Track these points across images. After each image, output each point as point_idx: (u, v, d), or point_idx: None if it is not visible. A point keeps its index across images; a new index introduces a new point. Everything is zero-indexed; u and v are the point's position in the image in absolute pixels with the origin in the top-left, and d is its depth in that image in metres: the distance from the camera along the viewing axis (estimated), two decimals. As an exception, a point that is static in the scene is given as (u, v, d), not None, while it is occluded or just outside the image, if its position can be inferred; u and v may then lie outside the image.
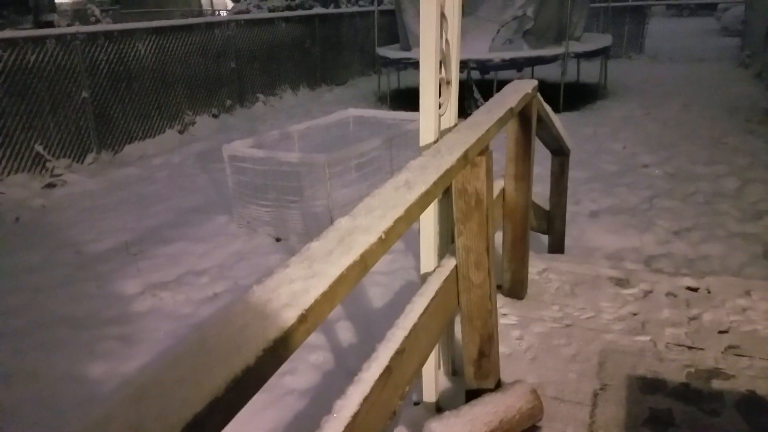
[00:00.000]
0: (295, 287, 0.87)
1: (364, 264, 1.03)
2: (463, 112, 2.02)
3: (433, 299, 1.81)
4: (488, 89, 9.28)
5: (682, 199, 5.54)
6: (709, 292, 2.92)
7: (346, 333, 3.72)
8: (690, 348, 2.50)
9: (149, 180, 6.92)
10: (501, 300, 2.90)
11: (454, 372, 2.41)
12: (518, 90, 2.42)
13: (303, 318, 0.80)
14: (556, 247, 4.11)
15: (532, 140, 2.68)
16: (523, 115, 2.58)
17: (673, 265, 4.35)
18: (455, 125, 2.02)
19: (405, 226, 1.18)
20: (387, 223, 1.13)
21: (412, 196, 1.29)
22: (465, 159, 1.65)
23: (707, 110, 9.13)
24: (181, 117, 8.61)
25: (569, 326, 2.68)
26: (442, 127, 2.03)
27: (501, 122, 2.03)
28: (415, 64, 9.88)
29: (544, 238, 4.12)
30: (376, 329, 3.66)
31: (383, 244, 1.10)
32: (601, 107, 9.71)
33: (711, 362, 2.41)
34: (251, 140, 5.21)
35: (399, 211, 1.18)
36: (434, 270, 1.98)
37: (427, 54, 1.74)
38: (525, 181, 2.74)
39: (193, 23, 8.73)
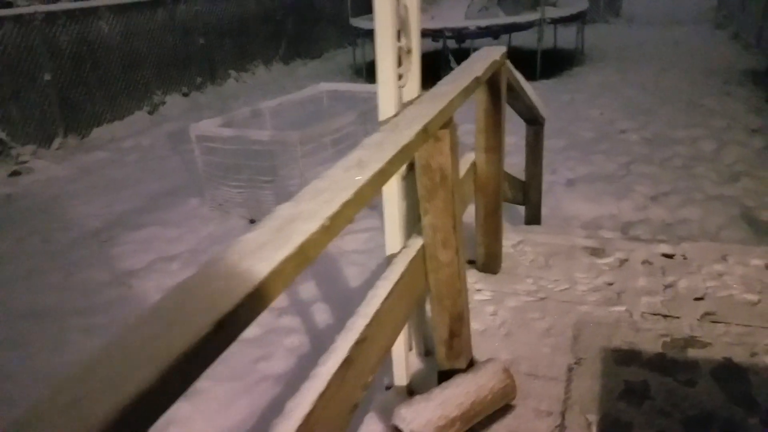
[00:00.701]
0: (217, 286, 0.78)
1: (304, 256, 0.94)
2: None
3: (398, 282, 1.74)
4: (465, 58, 9.15)
5: (659, 164, 5.51)
6: (685, 258, 2.88)
7: (322, 314, 3.65)
8: (666, 317, 2.47)
9: (119, 164, 6.73)
10: (475, 275, 2.84)
11: (427, 352, 2.35)
12: (485, 58, 2.32)
13: (220, 325, 0.71)
14: (533, 218, 4.06)
15: (502, 110, 2.59)
16: (491, 84, 2.49)
17: (650, 230, 4.33)
18: (419, 97, 1.92)
19: (355, 209, 1.10)
20: (333, 207, 1.04)
21: (365, 177, 1.20)
22: (426, 133, 1.56)
23: (685, 73, 9.09)
24: (150, 97, 8.37)
25: (543, 299, 2.63)
26: (405, 99, 1.94)
27: (466, 92, 1.94)
28: (390, 35, 9.70)
29: (521, 209, 4.06)
30: (353, 309, 3.61)
31: (327, 232, 1.01)
32: (579, 73, 9.61)
33: (687, 330, 2.38)
34: (220, 119, 5.06)
35: (347, 194, 1.09)
36: (400, 251, 1.90)
37: (382, 21, 1.63)
38: (496, 153, 2.66)
39: (158, -1, 8.43)
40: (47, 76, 6.98)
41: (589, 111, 7.38)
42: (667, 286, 2.67)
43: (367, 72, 10.34)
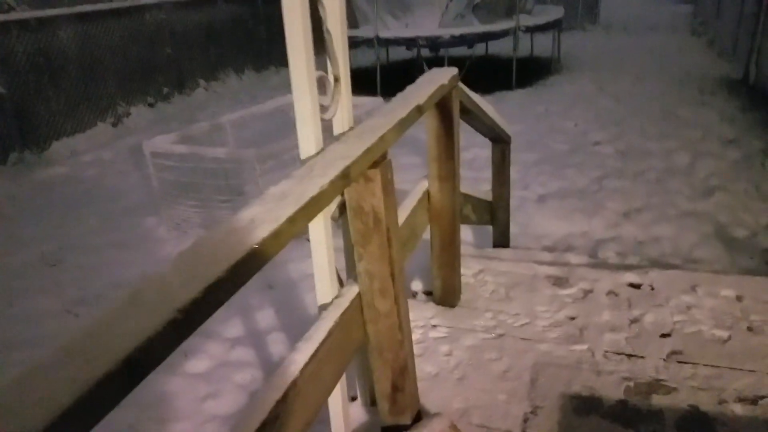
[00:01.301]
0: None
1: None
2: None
3: (325, 340, 1.55)
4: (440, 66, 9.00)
5: (632, 178, 5.39)
6: (652, 289, 2.73)
7: (278, 345, 3.44)
8: (630, 356, 2.31)
9: (77, 180, 6.46)
10: (432, 309, 2.67)
11: (374, 402, 2.16)
12: (431, 82, 2.15)
13: None
14: (501, 239, 3.90)
15: (455, 136, 2.42)
16: (442, 108, 2.32)
17: (622, 249, 4.18)
18: (350, 128, 1.74)
19: (223, 295, 0.91)
20: (189, 295, 0.85)
21: (245, 244, 1.02)
22: (345, 178, 1.38)
23: (660, 82, 9.03)
24: (113, 108, 8.10)
25: (501, 336, 2.46)
26: (336, 132, 1.75)
27: (404, 123, 1.76)
28: (367, 42, 9.54)
29: (490, 228, 3.90)
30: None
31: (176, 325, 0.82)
32: (554, 83, 9.52)
33: (652, 372, 2.22)
34: (176, 135, 4.83)
35: (214, 273, 0.90)
36: (332, 301, 1.71)
37: (294, 47, 1.44)
38: (450, 181, 2.48)
39: (121, 7, 8.16)
40: (1, 89, 6.70)
41: (563, 122, 7.27)
42: (632, 321, 2.52)
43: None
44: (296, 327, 3.57)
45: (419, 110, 1.87)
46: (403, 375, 1.83)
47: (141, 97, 8.51)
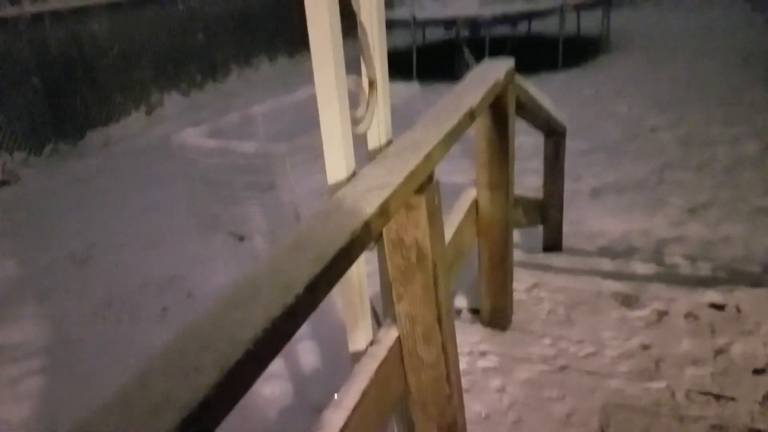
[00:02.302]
0: None
1: None
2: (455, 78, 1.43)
3: (360, 402, 1.27)
4: (481, 49, 8.55)
5: (696, 169, 4.92)
6: (738, 311, 2.36)
7: (309, 356, 3.19)
8: (718, 398, 1.96)
9: (109, 172, 6.34)
10: (480, 332, 2.36)
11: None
12: (484, 79, 1.81)
13: None
14: (552, 241, 3.55)
15: (510, 139, 2.08)
16: (495, 108, 1.98)
17: (688, 250, 3.77)
18: (388, 143, 1.43)
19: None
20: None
21: (250, 315, 0.74)
22: (384, 215, 1.08)
23: (720, 62, 8.37)
24: (147, 97, 7.95)
25: (564, 369, 2.14)
26: (371, 147, 1.45)
27: (453, 135, 1.44)
28: (402, 23, 9.13)
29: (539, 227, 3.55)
30: (344, 351, 3.15)
31: None
32: (604, 63, 8.95)
33: (745, 418, 1.87)
34: (206, 127, 4.60)
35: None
36: (366, 349, 1.42)
37: (319, 45, 1.14)
38: (503, 190, 2.15)
39: (152, -5, 7.98)
40: (35, 80, 6.59)
41: (615, 106, 6.77)
42: (718, 352, 2.16)
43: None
44: (328, 336, 3.32)
45: (471, 116, 1.55)
46: (452, 433, 1.54)
47: (174, 85, 8.34)
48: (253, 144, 4.13)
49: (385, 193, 1.09)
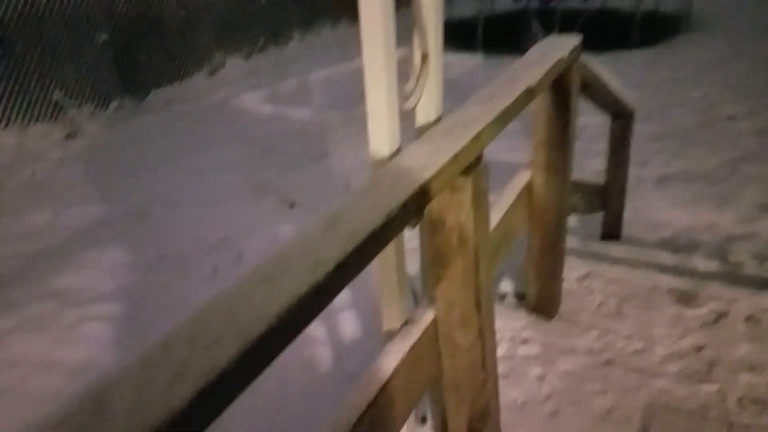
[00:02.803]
0: None
1: None
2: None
3: (390, 379, 1.25)
4: (550, 22, 8.23)
5: (773, 163, 4.61)
6: (806, 319, 2.20)
7: (348, 325, 3.20)
8: (774, 409, 1.84)
9: (170, 131, 6.49)
10: (523, 319, 2.29)
11: (446, 430, 1.85)
12: (546, 57, 1.71)
13: None
14: (611, 229, 3.41)
15: (571, 120, 1.98)
16: (557, 86, 1.88)
17: (758, 249, 3.53)
18: (438, 120, 1.37)
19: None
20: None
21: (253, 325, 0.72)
22: (424, 195, 1.03)
23: (812, 45, 7.78)
24: (209, 59, 8.06)
25: (609, 363, 2.06)
26: (419, 124, 1.39)
27: (507, 114, 1.36)
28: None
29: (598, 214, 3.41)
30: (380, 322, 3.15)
31: None
32: (683, 43, 8.45)
33: (804, 434, 1.75)
34: (264, 93, 4.63)
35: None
36: (400, 329, 1.39)
37: (370, 18, 1.09)
38: (560, 173, 2.06)
39: (222, -47, 8.01)
40: (104, 36, 6.78)
41: (691, 91, 6.39)
42: (778, 360, 2.02)
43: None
44: (367, 305, 3.32)
45: (529, 95, 1.47)
46: (484, 419, 1.50)
47: (236, 48, 8.41)
48: (308, 111, 4.13)
49: (427, 174, 1.04)
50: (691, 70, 7.12)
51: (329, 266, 0.82)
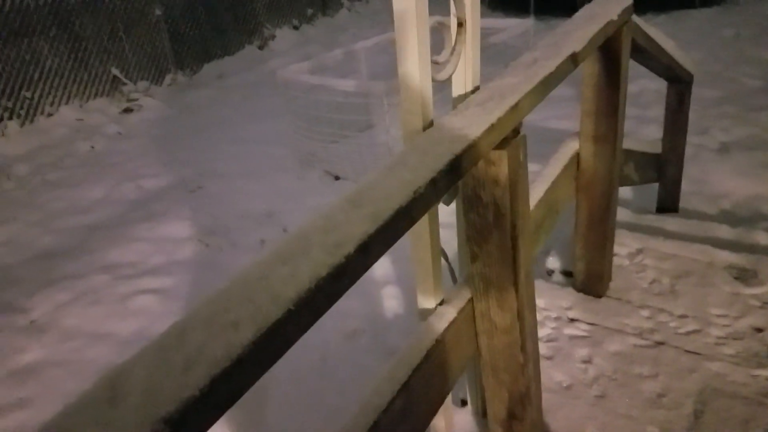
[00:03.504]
0: None
1: None
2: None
3: (423, 363, 1.22)
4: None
5: None
6: None
7: (390, 300, 3.18)
8: (841, 395, 1.72)
9: (222, 103, 6.57)
10: (571, 296, 2.22)
11: (485, 413, 1.82)
12: (593, 18, 1.61)
13: None
14: (668, 201, 3.27)
15: (622, 87, 1.86)
16: (607, 51, 1.77)
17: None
18: (474, 91, 1.31)
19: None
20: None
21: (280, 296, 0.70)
22: (455, 171, 0.98)
23: None
24: (260, 31, 8.10)
25: (660, 345, 1.97)
26: (455, 94, 1.33)
27: (548, 83, 1.28)
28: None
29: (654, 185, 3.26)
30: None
31: None
32: (749, 1, 7.90)
33: None
34: (309, 63, 4.60)
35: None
36: (435, 308, 1.35)
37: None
38: (610, 143, 1.95)
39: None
40: (158, 11, 6.88)
41: (758, 51, 5.99)
42: None
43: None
44: (410, 282, 3.29)
45: (574, 61, 1.38)
46: (523, 403, 1.46)
47: (286, 19, 8.41)
48: (353, 82, 4.08)
49: (458, 148, 0.98)
50: (757, 29, 6.66)
51: (350, 248, 0.79)
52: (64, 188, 5.00)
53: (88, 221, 4.40)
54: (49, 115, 6.18)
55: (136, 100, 6.65)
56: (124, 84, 6.72)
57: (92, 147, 5.83)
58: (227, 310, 0.71)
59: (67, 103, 6.31)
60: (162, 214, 4.39)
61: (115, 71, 6.65)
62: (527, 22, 5.19)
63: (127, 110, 6.55)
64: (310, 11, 8.72)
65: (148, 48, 6.93)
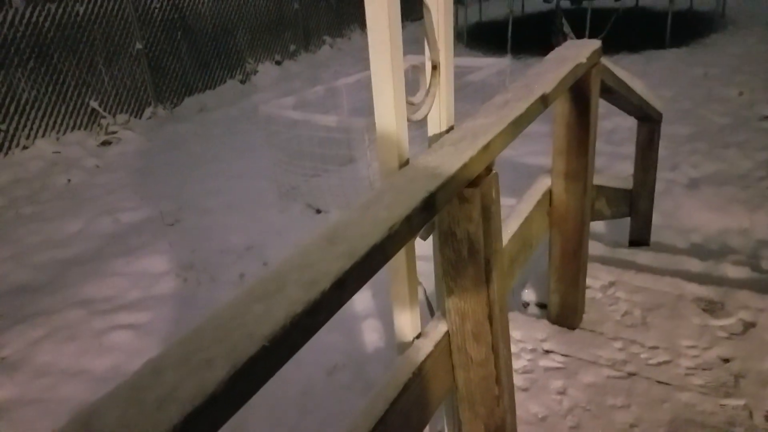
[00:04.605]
0: None
1: None
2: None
3: (401, 395, 1.23)
4: (581, 21, 8.10)
5: (812, 165, 4.46)
6: (842, 330, 2.11)
7: (371, 333, 3.19)
8: (806, 425, 1.77)
9: (203, 137, 6.60)
10: (546, 329, 2.25)
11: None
12: (563, 61, 1.68)
13: None
14: (640, 234, 3.34)
15: (592, 125, 1.94)
16: (576, 92, 1.85)
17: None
18: (448, 130, 1.36)
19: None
20: None
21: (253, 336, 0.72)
22: (428, 209, 1.02)
23: None
24: (242, 65, 8.20)
25: (632, 376, 2.00)
26: (431, 133, 1.38)
27: (519, 123, 1.34)
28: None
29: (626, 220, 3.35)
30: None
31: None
32: (716, 42, 8.24)
33: (838, 452, 1.67)
34: (291, 99, 4.67)
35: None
36: (413, 342, 1.38)
37: (376, 27, 1.08)
38: (580, 181, 2.02)
39: (252, -38, 8.13)
40: (139, 45, 6.94)
41: (725, 90, 6.23)
42: (812, 374, 1.94)
43: (469, 36, 9.56)
44: (387, 314, 3.31)
45: (544, 102, 1.44)
46: (499, 435, 1.47)
47: (268, 54, 8.53)
48: (335, 117, 4.15)
49: (432, 186, 1.03)
50: (725, 69, 6.93)
51: (326, 284, 0.81)
52: (39, 222, 4.94)
53: (64, 256, 4.35)
54: (25, 147, 6.14)
55: (115, 133, 6.65)
56: (103, 117, 6.72)
57: (69, 180, 5.79)
58: (201, 348, 0.71)
59: (43, 135, 6.28)
60: (139, 248, 4.36)
61: (93, 104, 6.66)
62: (504, 61, 5.36)
63: (106, 143, 6.54)
64: (292, 47, 8.87)
65: (128, 81, 6.96)
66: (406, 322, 1.38)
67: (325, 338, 3.11)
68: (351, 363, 2.93)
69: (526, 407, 1.90)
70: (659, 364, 2.03)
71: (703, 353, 2.06)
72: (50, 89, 6.28)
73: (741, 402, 1.86)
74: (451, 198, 1.14)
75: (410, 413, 1.29)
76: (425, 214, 1.01)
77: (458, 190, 1.16)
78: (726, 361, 2.02)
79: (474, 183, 1.19)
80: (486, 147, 1.19)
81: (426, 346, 1.36)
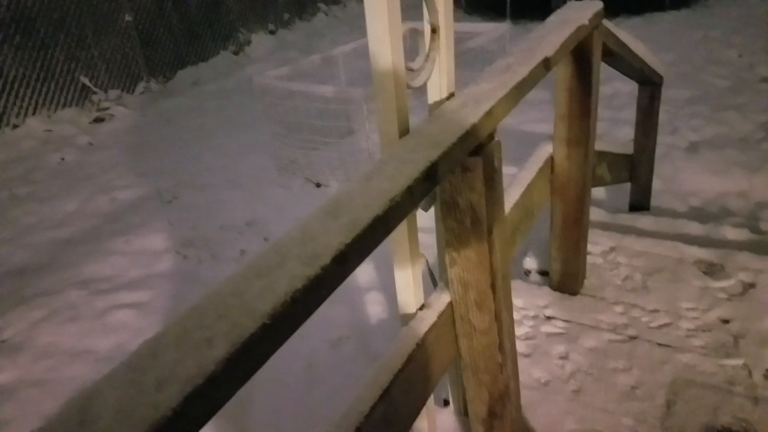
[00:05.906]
0: None
1: None
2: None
3: (406, 365, 1.24)
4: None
5: (812, 126, 4.42)
6: (842, 290, 2.12)
7: (375, 306, 3.20)
8: (806, 384, 1.78)
9: (198, 111, 6.52)
10: (548, 296, 2.26)
11: (467, 412, 1.85)
12: (565, 23, 1.64)
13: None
14: (640, 199, 3.34)
15: (593, 90, 1.91)
16: (578, 56, 1.81)
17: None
18: (449, 97, 1.33)
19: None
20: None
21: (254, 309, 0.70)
22: (430, 179, 1.00)
23: None
24: (235, 36, 8.04)
25: (633, 339, 2.02)
26: (431, 101, 1.36)
27: (522, 88, 1.32)
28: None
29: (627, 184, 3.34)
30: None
31: None
32: (716, 3, 8.10)
33: (838, 409, 1.69)
34: (287, 69, 4.59)
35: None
36: (416, 313, 1.38)
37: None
38: (582, 146, 2.00)
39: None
40: (128, 17, 6.80)
41: (725, 52, 6.14)
42: (811, 333, 1.95)
43: (467, 3, 9.38)
44: (392, 288, 3.31)
45: (547, 66, 1.41)
46: (503, 401, 1.48)
47: (262, 24, 8.37)
48: (332, 88, 4.08)
49: (434, 155, 1.01)
50: (725, 31, 6.83)
51: (327, 258, 0.80)
52: (34, 202, 4.91)
53: (61, 236, 4.32)
54: (15, 126, 6.05)
55: (107, 109, 6.56)
56: (94, 93, 6.62)
57: (62, 159, 5.73)
58: (200, 326, 0.70)
59: (34, 113, 6.19)
60: (138, 226, 4.34)
61: (84, 80, 6.55)
62: (503, 26, 5.26)
63: (98, 120, 6.46)
64: (286, 15, 8.69)
65: (119, 55, 6.84)
66: (410, 294, 1.37)
67: (329, 311, 3.13)
68: (355, 335, 2.94)
69: (529, 373, 1.91)
70: (660, 326, 2.04)
71: (703, 315, 2.07)
72: (38, 65, 6.16)
73: (740, 362, 1.87)
74: (453, 167, 1.12)
75: (415, 383, 1.29)
76: (427, 184, 0.99)
77: (461, 159, 1.14)
78: (726, 322, 2.03)
79: (476, 151, 1.17)
80: (488, 113, 1.17)
81: (429, 317, 1.36)
